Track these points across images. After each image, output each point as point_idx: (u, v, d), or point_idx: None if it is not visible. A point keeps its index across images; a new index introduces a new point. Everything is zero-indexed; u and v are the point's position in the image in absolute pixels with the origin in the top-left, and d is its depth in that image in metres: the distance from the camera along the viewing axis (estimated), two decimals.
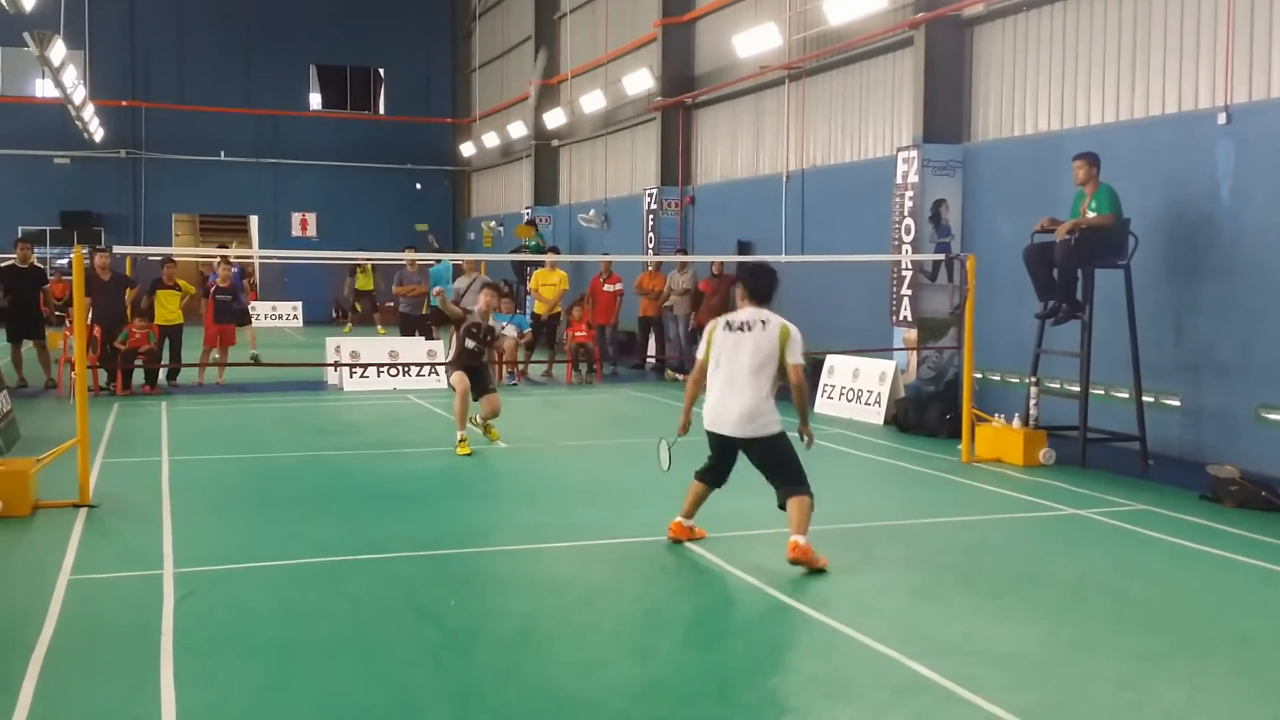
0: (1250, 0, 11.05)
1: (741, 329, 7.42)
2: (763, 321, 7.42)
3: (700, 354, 7.64)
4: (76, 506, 8.90)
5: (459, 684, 5.37)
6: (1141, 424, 11.26)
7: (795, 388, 7.43)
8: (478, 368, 12.22)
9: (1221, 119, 11.20)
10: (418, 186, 38.03)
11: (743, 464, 7.68)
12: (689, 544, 7.95)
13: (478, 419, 12.41)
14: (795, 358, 7.39)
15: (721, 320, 7.56)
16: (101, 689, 5.23)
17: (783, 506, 7.35)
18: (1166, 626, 6.31)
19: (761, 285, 7.60)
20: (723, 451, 7.61)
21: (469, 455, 11.61)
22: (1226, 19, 11.25)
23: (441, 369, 18.09)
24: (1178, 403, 11.68)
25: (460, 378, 11.93)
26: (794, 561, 7.12)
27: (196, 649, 5.74)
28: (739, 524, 8.64)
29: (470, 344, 12.19)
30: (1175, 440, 11.66)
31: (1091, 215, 11.14)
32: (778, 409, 7.42)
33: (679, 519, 7.93)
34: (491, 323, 12.49)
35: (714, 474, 7.76)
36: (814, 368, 16.62)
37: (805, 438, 7.58)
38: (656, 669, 5.59)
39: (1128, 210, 11.19)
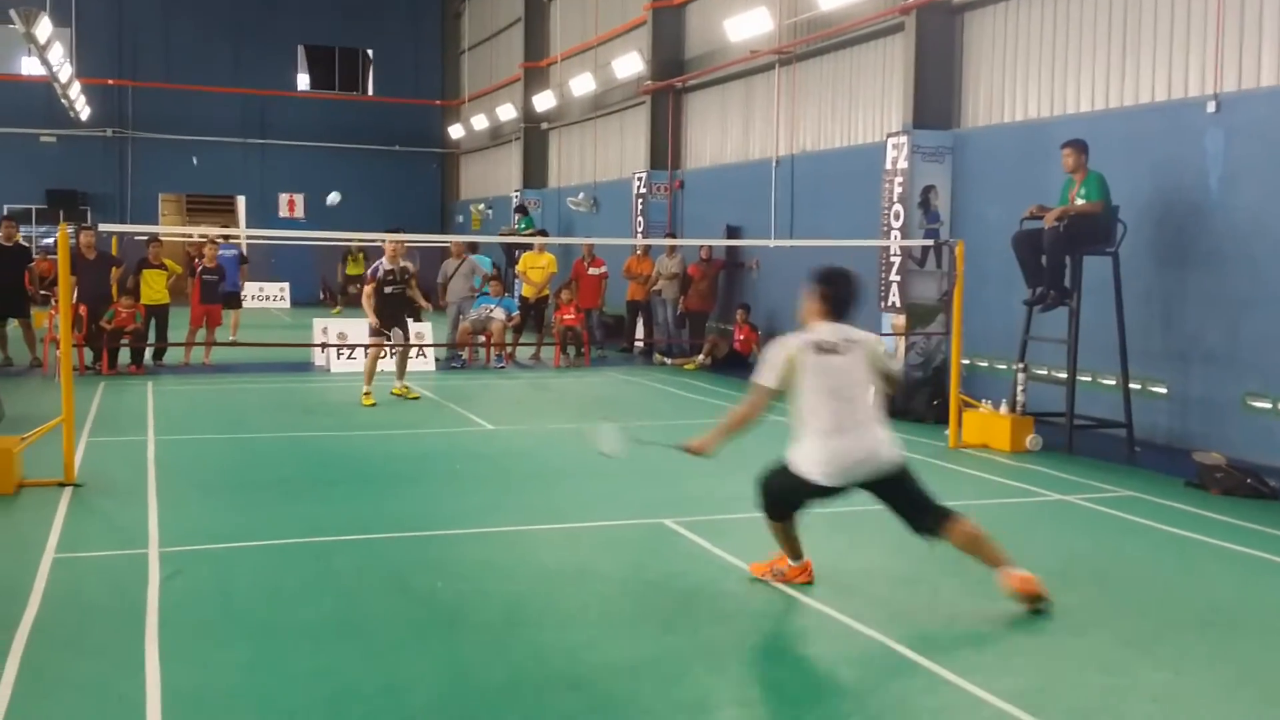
0: None
1: (834, 351, 6.13)
2: (849, 340, 6.20)
3: (770, 378, 6.20)
4: (61, 485, 8.87)
5: (446, 664, 5.36)
6: (1128, 411, 11.29)
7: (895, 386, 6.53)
8: (399, 319, 14.38)
9: (1211, 107, 11.21)
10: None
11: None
12: (676, 527, 7.95)
13: (400, 385, 14.54)
14: (894, 365, 6.51)
15: (801, 342, 6.16)
16: (86, 667, 5.21)
17: (934, 532, 6.23)
18: (1151, 611, 6.33)
19: (849, 296, 6.31)
20: (825, 497, 6.31)
21: (374, 405, 13.75)
22: (1217, 7, 11.24)
23: (429, 350, 18.12)
24: (1164, 390, 11.72)
25: (374, 354, 14.32)
26: (1030, 597, 6.11)
27: (181, 628, 5.72)
28: (725, 507, 8.65)
29: (389, 289, 14.06)
30: (1162, 427, 11.70)
31: (1080, 202, 11.14)
32: None
33: (803, 559, 6.62)
34: (402, 264, 14.25)
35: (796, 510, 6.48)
36: None
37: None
38: (643, 650, 5.59)
39: (1117, 197, 11.20)
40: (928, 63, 15.02)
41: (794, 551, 6.54)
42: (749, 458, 10.56)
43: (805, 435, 6.15)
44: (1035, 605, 6.08)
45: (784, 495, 6.33)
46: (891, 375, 6.38)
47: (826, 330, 6.17)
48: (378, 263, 14.28)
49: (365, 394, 13.94)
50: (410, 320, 15.28)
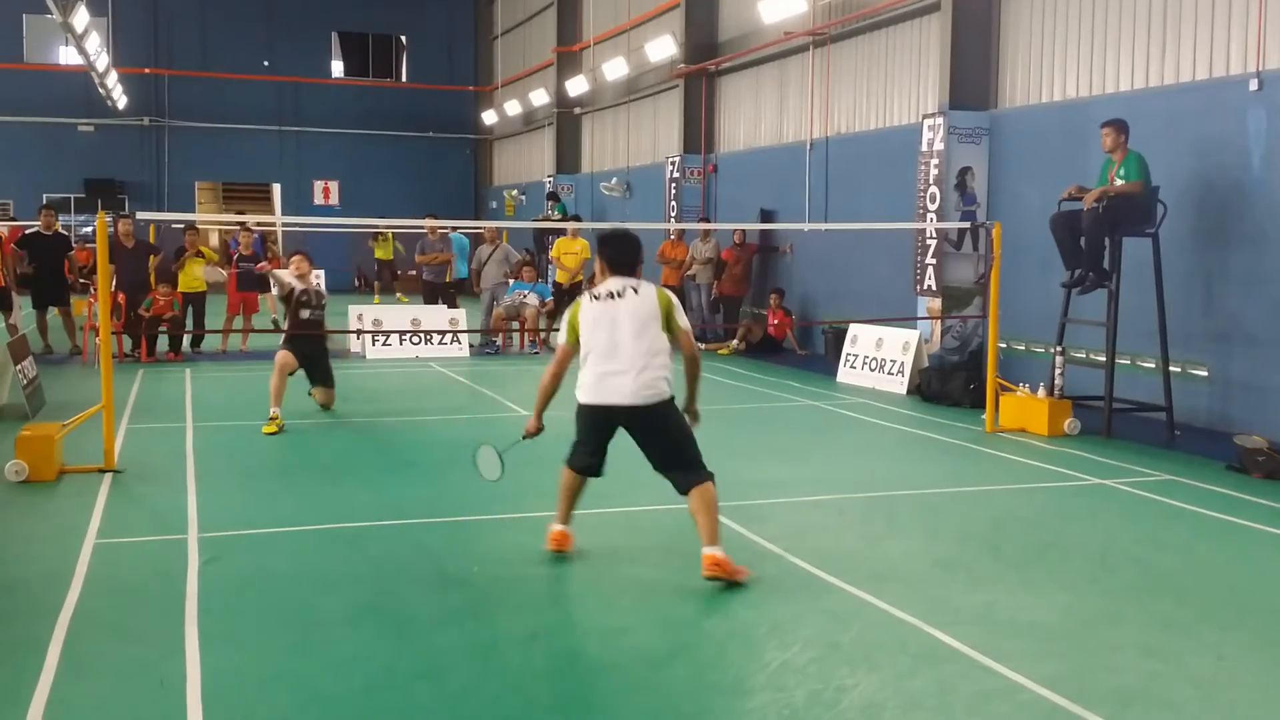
0: None
1: (611, 298, 6.53)
2: (634, 288, 6.56)
3: (563, 338, 6.70)
4: (102, 471, 8.95)
5: (483, 648, 5.37)
6: (1168, 394, 11.17)
7: (690, 359, 6.73)
8: (315, 351, 12.02)
9: (1253, 85, 11.05)
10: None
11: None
12: None
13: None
14: (685, 322, 6.64)
15: (585, 296, 6.69)
16: (127, 651, 5.26)
17: (684, 492, 6.43)
18: (1192, 596, 6.27)
19: (624, 253, 6.71)
20: (602, 432, 6.69)
21: (276, 434, 10.85)
22: None
23: (463, 336, 18.17)
24: (1205, 373, 11.59)
25: (284, 356, 11.57)
26: (712, 578, 6.22)
27: (221, 612, 5.77)
28: (760, 492, 8.64)
29: (305, 314, 11.89)
30: (1202, 410, 11.57)
31: (1120, 183, 11.02)
32: (671, 378, 6.54)
33: (560, 526, 6.91)
34: (314, 285, 12.18)
35: (593, 460, 6.78)
36: (836, 336, 16.58)
37: (692, 417, 6.72)
38: (678, 636, 5.59)
39: (1157, 178, 11.07)
40: (964, 42, 14.88)
41: (564, 514, 6.90)
42: (788, 445, 10.54)
43: (583, 369, 6.59)
44: (731, 580, 6.24)
45: (580, 433, 6.74)
46: (676, 325, 6.59)
47: (609, 284, 6.61)
48: (291, 281, 11.96)
49: (271, 418, 11.07)
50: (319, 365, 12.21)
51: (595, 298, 6.59)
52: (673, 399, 6.52)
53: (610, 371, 6.45)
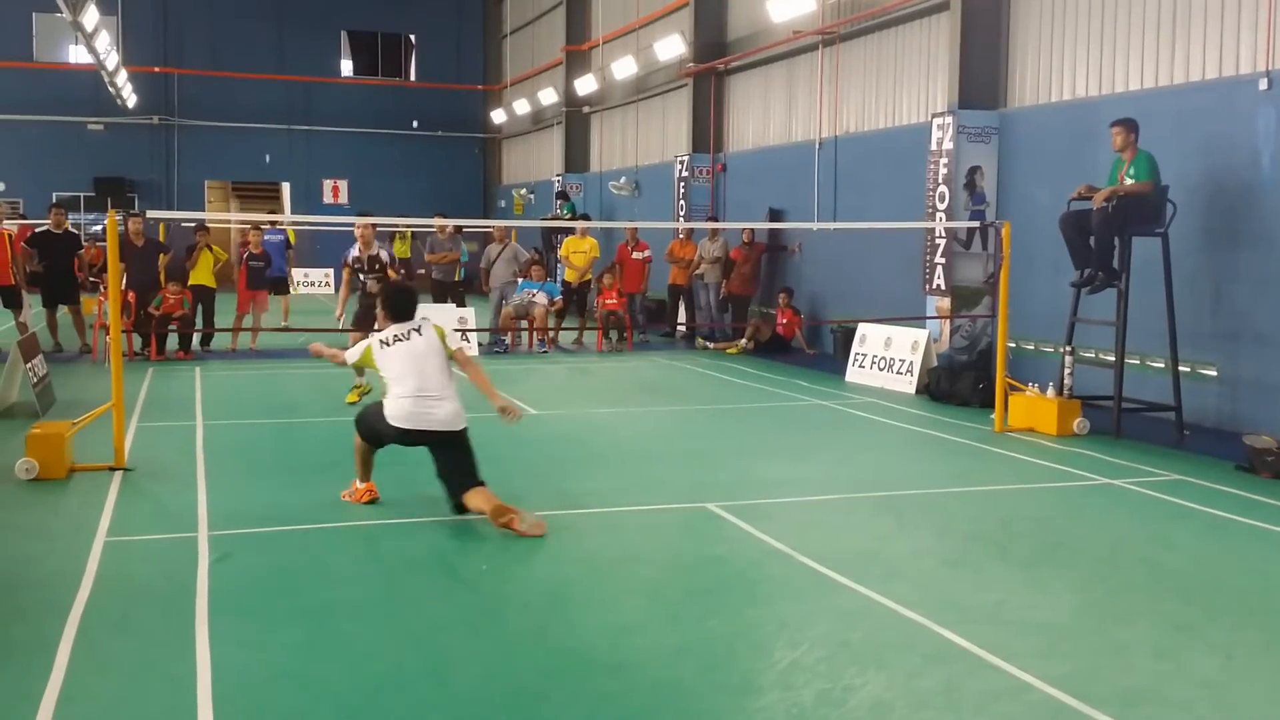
0: None
1: (404, 338, 7.75)
2: (418, 329, 7.79)
3: (353, 357, 8.07)
4: (112, 469, 8.97)
5: (491, 647, 5.39)
6: (1177, 394, 11.15)
7: (474, 370, 7.93)
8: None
9: (1263, 85, 11.03)
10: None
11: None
12: (719, 511, 7.94)
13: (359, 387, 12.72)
14: (455, 342, 7.88)
15: (374, 340, 7.91)
16: (138, 649, 5.28)
17: (462, 509, 7.52)
18: (1201, 596, 6.26)
19: (405, 305, 7.97)
20: (404, 444, 7.80)
21: (358, 403, 11.99)
22: None
23: (472, 335, 18.18)
24: (1214, 372, 11.56)
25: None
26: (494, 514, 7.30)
27: (231, 610, 5.79)
28: (769, 491, 8.64)
29: (364, 279, 12.67)
30: (1211, 410, 11.55)
31: (1130, 182, 11.00)
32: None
33: (369, 483, 8.10)
34: (373, 251, 12.87)
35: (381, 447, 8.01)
36: (845, 336, 16.57)
37: (507, 414, 7.80)
38: (686, 635, 5.59)
39: (1166, 177, 11.05)
40: (974, 42, 14.86)
41: (365, 474, 8.13)
42: (796, 444, 10.57)
43: (390, 396, 7.72)
44: (501, 523, 7.19)
45: (375, 428, 7.84)
46: (451, 350, 7.83)
47: (392, 329, 7.82)
48: (351, 248, 13.06)
49: (353, 388, 12.72)
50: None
51: (385, 343, 7.76)
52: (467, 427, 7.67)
53: (426, 407, 7.57)
